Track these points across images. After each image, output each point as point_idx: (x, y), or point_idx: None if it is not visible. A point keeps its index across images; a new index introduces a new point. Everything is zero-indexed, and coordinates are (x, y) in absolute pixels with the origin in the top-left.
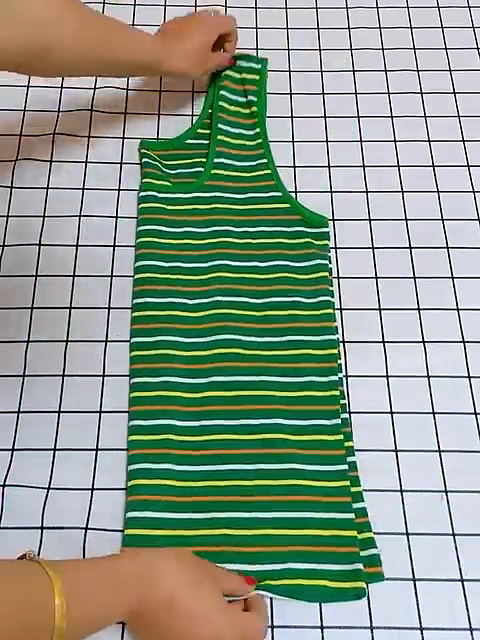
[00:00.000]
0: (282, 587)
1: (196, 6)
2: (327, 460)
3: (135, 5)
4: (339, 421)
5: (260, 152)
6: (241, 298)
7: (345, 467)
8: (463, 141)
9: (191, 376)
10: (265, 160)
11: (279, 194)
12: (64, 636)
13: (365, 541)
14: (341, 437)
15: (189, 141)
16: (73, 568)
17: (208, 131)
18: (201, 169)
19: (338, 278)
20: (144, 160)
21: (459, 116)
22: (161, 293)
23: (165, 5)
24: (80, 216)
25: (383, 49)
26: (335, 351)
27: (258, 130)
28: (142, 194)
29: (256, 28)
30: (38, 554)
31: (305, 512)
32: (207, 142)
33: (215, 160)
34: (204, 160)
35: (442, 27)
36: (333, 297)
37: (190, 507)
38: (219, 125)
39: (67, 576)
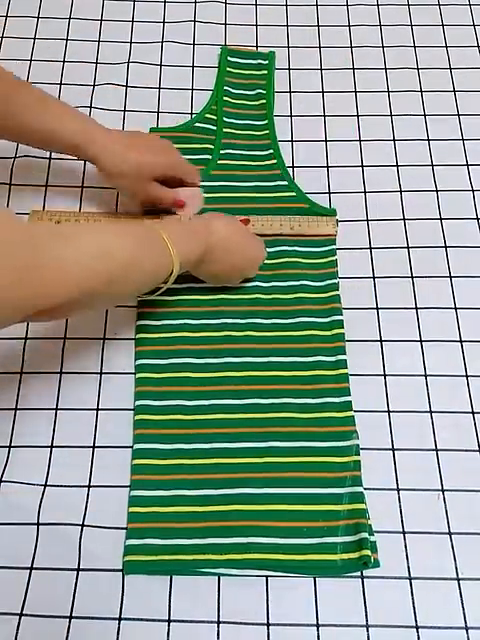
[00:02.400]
0: (291, 562)
1: (196, 5)
2: (337, 437)
3: (135, 2)
4: (349, 399)
5: (267, 142)
6: (248, 282)
7: (357, 442)
8: (463, 140)
9: (202, 357)
10: (272, 151)
11: (285, 183)
12: (177, 267)
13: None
14: (351, 414)
15: (198, 125)
16: (165, 224)
17: (216, 117)
18: (208, 157)
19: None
20: None
21: (459, 115)
22: None
23: (165, 2)
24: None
25: (383, 47)
26: (342, 331)
27: (267, 121)
28: None
29: (256, 25)
30: (34, 551)
31: (315, 488)
32: (214, 128)
33: (222, 151)
34: (211, 147)
35: (442, 25)
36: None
37: (201, 484)
38: (224, 118)
39: (165, 227)
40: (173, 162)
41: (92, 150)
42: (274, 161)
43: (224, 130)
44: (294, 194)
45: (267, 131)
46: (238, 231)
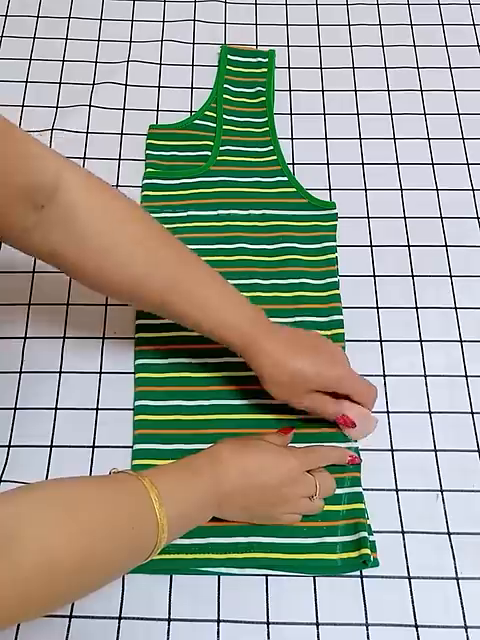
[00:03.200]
0: (292, 561)
1: (195, 4)
2: (336, 437)
3: (135, 2)
4: None
5: (267, 139)
6: (249, 280)
7: (356, 444)
8: (463, 139)
9: (202, 357)
10: (272, 147)
11: (285, 178)
12: (165, 534)
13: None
14: None
15: (197, 122)
16: (160, 474)
17: (215, 114)
18: (208, 153)
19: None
20: (148, 152)
21: (459, 114)
22: None
23: (165, 1)
24: None
25: (383, 46)
26: (342, 331)
27: (266, 119)
28: (145, 182)
29: (256, 24)
30: None
31: None
32: (214, 125)
33: (221, 148)
34: (211, 143)
35: (442, 24)
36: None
37: None
38: (224, 116)
39: (157, 481)
40: (340, 376)
41: (249, 353)
42: (274, 157)
43: (224, 127)
44: (294, 189)
45: (267, 128)
46: (259, 472)
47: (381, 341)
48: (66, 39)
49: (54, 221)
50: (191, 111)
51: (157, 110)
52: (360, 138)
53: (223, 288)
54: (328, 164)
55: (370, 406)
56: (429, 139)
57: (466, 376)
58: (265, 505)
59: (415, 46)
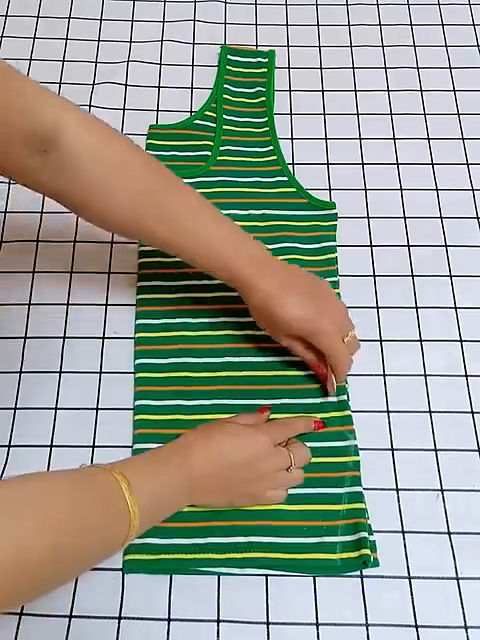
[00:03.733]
0: (291, 561)
1: (195, 4)
2: (336, 436)
3: (135, 2)
4: (346, 397)
5: (267, 139)
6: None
7: (355, 442)
8: (463, 139)
9: (202, 356)
10: (272, 147)
11: (285, 178)
12: (137, 522)
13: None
14: (349, 413)
15: (197, 122)
16: (129, 464)
17: (215, 114)
18: (208, 153)
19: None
20: (147, 152)
21: (459, 114)
22: (169, 276)
23: (165, 2)
24: None
25: (383, 46)
26: None
27: (266, 119)
28: None
29: (256, 24)
30: None
31: (315, 487)
32: (214, 125)
33: (221, 148)
34: (211, 143)
35: (442, 24)
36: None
37: None
38: (224, 116)
39: (126, 471)
40: (318, 330)
41: (243, 290)
42: (274, 157)
43: (224, 127)
44: (294, 189)
45: (267, 128)
46: (227, 452)
47: (381, 341)
48: (66, 39)
49: (59, 166)
50: (191, 111)
51: (157, 110)
52: (360, 138)
53: (224, 227)
54: (328, 164)
55: (339, 376)
56: (429, 139)
57: (466, 376)
58: (241, 484)
59: (415, 46)
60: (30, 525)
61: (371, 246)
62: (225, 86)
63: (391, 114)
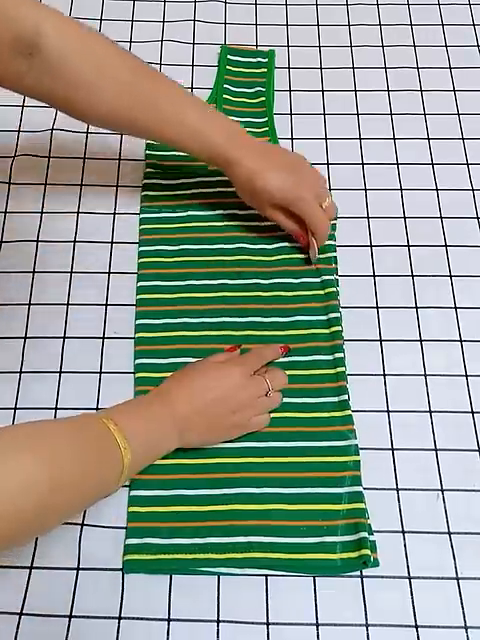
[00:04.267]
0: (291, 561)
1: (195, 4)
2: (336, 436)
3: (135, 2)
4: (346, 397)
5: (267, 139)
6: (249, 280)
7: (355, 442)
8: (463, 139)
9: (202, 356)
10: None
11: None
12: (130, 457)
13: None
14: (349, 413)
15: None
16: (113, 410)
17: None
18: None
19: (336, 276)
20: (147, 152)
21: (459, 114)
22: (169, 276)
23: (165, 2)
24: (78, 212)
25: (383, 46)
26: (340, 328)
27: (266, 119)
28: (145, 181)
29: (256, 24)
30: (34, 550)
31: (315, 487)
32: None
33: None
34: None
35: (442, 24)
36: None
37: (201, 484)
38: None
39: (111, 413)
40: (299, 197)
41: (226, 166)
42: None
43: None
44: None
45: (267, 128)
46: (206, 389)
47: (381, 341)
48: None
49: (44, 68)
50: None
51: None
52: (360, 138)
53: (204, 109)
54: (328, 164)
55: (319, 239)
56: (429, 139)
57: (466, 376)
58: (225, 417)
59: (415, 46)
60: (32, 458)
61: (371, 246)
62: (225, 86)
63: (391, 114)
